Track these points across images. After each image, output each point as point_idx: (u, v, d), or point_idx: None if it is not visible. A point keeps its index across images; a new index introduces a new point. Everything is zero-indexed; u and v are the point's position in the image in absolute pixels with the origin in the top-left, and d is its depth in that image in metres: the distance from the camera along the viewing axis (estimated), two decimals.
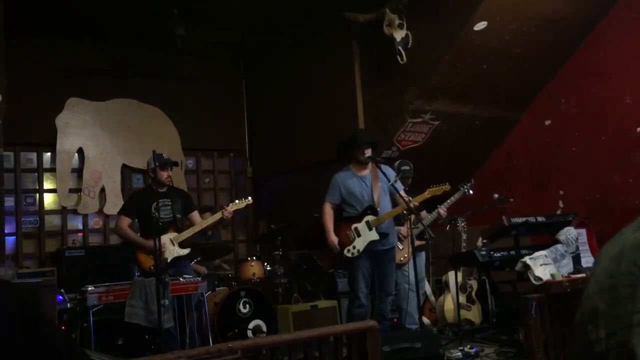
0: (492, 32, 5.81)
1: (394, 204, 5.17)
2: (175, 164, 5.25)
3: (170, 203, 5.12)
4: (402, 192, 5.03)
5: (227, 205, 5.23)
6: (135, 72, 7.59)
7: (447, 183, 5.29)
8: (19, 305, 1.69)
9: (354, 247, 4.95)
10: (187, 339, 4.71)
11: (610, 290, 0.65)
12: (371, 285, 5.12)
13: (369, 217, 4.98)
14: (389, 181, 5.00)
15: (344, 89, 6.88)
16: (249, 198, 5.39)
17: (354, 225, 5.00)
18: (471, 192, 5.76)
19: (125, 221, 5.04)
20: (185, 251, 5.08)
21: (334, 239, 5.02)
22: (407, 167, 5.69)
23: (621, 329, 0.62)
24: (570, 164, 6.58)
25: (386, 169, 5.16)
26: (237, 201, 5.28)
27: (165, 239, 4.93)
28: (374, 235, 4.94)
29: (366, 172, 5.14)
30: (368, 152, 5.07)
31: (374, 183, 5.06)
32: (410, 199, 4.95)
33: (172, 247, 4.99)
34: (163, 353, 3.08)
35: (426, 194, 5.21)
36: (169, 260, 4.89)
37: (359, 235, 4.96)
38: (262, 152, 8.52)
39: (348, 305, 5.32)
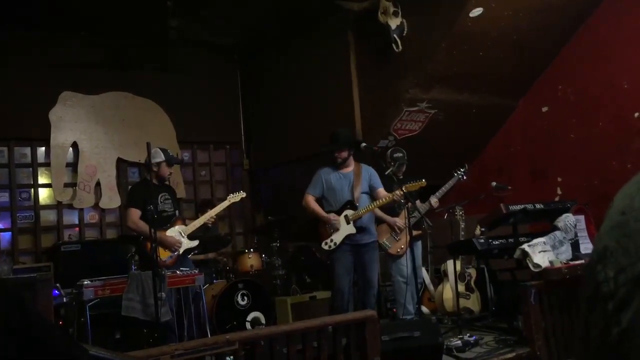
0: (488, 18, 5.75)
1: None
2: (179, 162, 5.30)
3: (170, 197, 5.20)
4: (382, 189, 5.21)
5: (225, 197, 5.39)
6: (129, 64, 7.51)
7: (423, 179, 5.21)
8: (9, 303, 1.65)
9: (331, 240, 5.07)
10: (185, 332, 4.69)
11: (621, 227, 0.61)
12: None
13: (348, 212, 5.09)
14: (370, 180, 5.19)
15: (340, 78, 6.82)
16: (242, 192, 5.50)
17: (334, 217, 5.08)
18: (465, 177, 5.72)
19: (137, 213, 4.99)
20: (195, 242, 5.14)
21: (328, 215, 5.09)
22: (399, 154, 5.61)
23: (631, 264, 0.58)
24: (568, 150, 6.54)
25: (367, 168, 5.27)
26: (232, 195, 5.41)
27: (175, 231, 5.00)
28: (351, 229, 5.05)
29: (348, 170, 5.24)
30: (343, 155, 5.17)
31: (356, 181, 5.17)
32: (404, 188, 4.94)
33: (182, 239, 5.05)
34: (161, 346, 3.05)
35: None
36: (181, 252, 4.98)
37: (337, 229, 5.04)
38: (259, 144, 8.46)
39: (331, 297, 5.35)
